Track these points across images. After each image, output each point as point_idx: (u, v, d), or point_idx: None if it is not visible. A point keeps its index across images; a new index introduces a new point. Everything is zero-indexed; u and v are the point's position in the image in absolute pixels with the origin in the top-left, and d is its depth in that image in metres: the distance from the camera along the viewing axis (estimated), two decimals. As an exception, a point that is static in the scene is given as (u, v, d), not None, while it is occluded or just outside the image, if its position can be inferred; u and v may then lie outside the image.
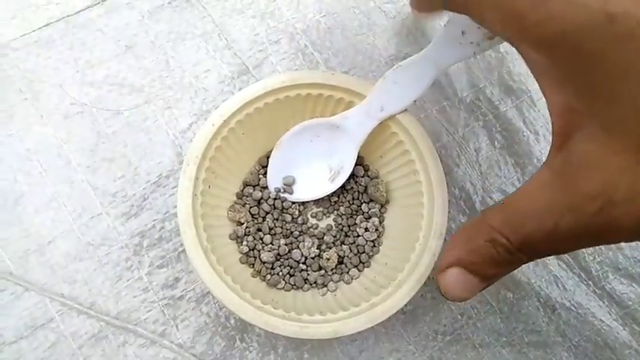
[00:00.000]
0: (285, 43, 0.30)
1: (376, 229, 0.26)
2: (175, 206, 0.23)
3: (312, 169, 0.26)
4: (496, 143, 0.29)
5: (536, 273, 0.27)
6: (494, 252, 0.17)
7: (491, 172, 0.29)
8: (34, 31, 0.29)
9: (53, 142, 0.27)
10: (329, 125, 0.25)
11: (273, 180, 0.26)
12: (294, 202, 0.26)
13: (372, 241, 0.26)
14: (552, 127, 0.17)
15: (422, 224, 0.24)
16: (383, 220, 0.26)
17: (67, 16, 0.29)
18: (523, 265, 0.28)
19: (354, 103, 0.25)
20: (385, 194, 0.26)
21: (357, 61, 0.29)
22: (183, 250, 0.26)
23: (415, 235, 0.24)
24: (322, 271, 0.25)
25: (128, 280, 0.26)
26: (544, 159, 0.29)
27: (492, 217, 0.18)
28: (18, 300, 0.25)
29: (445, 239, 0.24)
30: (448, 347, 0.26)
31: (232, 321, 0.26)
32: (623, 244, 0.28)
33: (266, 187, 0.26)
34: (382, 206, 0.26)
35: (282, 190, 0.26)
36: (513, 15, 0.15)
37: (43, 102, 0.28)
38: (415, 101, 0.24)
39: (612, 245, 0.28)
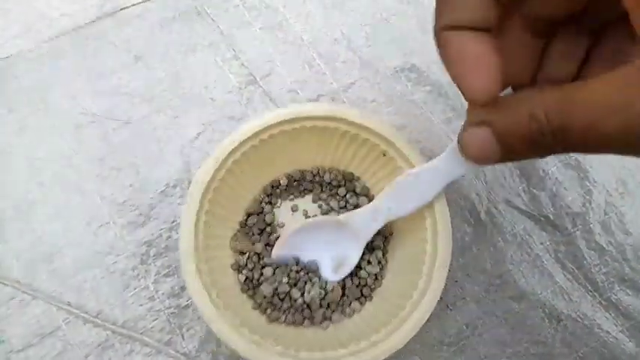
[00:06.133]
0: (292, 55, 0.30)
1: (379, 262, 0.26)
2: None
3: (316, 256, 0.26)
4: (501, 154, 0.29)
5: (541, 284, 0.27)
6: (528, 127, 0.16)
7: (496, 183, 0.29)
8: (46, 42, 0.29)
9: (64, 152, 0.28)
10: (335, 222, 0.25)
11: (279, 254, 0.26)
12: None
13: (375, 274, 0.25)
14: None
15: (425, 259, 0.24)
16: (386, 253, 0.26)
17: (79, 27, 0.29)
18: (528, 276, 0.28)
19: (359, 136, 0.25)
20: (389, 227, 0.26)
21: (363, 73, 0.30)
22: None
23: (418, 269, 0.24)
24: (323, 307, 0.25)
25: (135, 289, 0.26)
26: (548, 169, 0.29)
27: (545, 94, 0.16)
28: (26, 308, 0.25)
29: (449, 270, 0.23)
30: (453, 358, 0.26)
31: (238, 330, 0.26)
32: (628, 254, 0.28)
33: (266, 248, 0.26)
34: (386, 239, 0.26)
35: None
36: None
37: (55, 112, 0.28)
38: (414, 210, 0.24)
39: (618, 256, 0.28)
